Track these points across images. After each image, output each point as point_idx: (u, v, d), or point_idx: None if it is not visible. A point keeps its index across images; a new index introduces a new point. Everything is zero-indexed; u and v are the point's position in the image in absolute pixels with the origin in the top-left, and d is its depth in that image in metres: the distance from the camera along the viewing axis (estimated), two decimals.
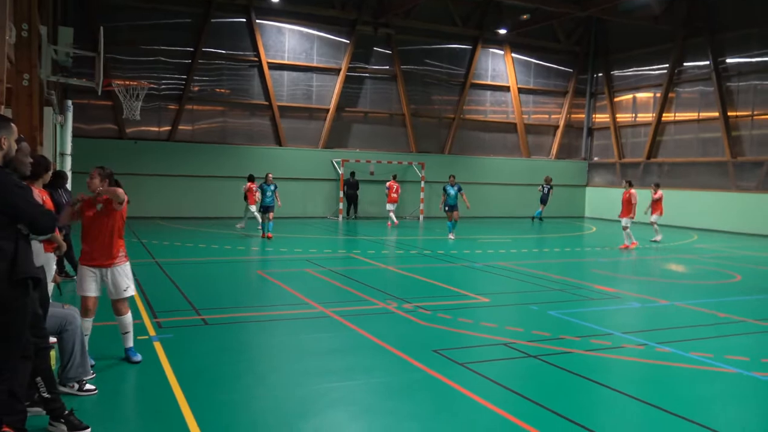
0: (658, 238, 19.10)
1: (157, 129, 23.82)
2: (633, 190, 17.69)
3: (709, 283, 12.47)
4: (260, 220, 19.14)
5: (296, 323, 8.34)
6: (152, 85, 21.23)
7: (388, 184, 23.44)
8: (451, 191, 18.94)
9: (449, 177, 19.70)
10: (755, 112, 23.76)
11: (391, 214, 23.15)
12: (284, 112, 25.47)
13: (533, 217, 26.70)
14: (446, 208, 19.09)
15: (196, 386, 5.65)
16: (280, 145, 25.31)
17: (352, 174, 25.58)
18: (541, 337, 7.59)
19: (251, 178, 20.19)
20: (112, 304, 6.30)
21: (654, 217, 19.16)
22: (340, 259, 14.86)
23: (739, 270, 14.11)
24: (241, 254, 15.09)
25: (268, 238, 17.44)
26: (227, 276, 12.37)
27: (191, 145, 23.97)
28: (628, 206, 17.52)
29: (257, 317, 8.53)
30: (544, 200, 26.57)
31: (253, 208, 19.74)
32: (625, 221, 17.48)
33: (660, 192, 19.05)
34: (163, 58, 23.59)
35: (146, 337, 7.15)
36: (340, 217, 25.51)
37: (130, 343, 6.35)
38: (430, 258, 14.92)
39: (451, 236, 18.81)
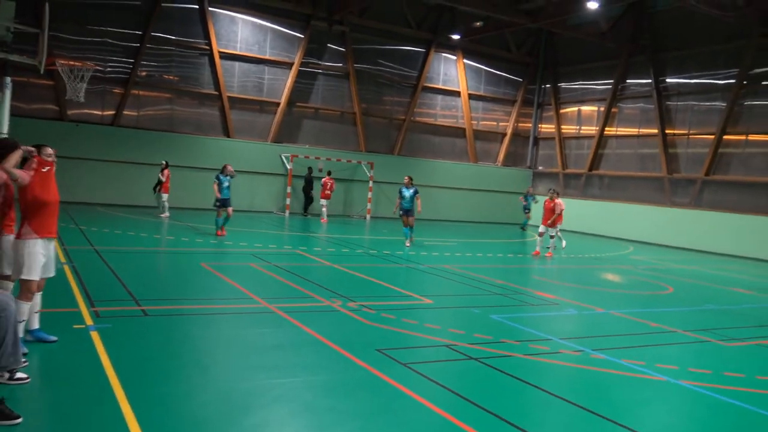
0: (563, 244, 18.98)
1: (100, 113, 23.11)
2: (558, 200, 17.87)
3: (643, 293, 12.94)
4: (167, 208, 19.98)
5: (239, 318, 8.25)
6: (98, 67, 20.57)
7: (323, 180, 23.69)
8: (407, 194, 17.19)
9: (405, 178, 17.79)
10: (691, 131, 24.78)
11: (324, 210, 23.51)
12: (234, 103, 25.11)
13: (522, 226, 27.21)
14: (401, 212, 17.43)
15: (134, 377, 5.52)
16: (229, 137, 24.94)
17: (310, 170, 25.39)
18: (482, 340, 7.73)
19: (167, 165, 20.22)
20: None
21: (556, 228, 18.22)
22: (286, 254, 14.76)
23: (671, 282, 14.69)
24: (185, 245, 14.81)
25: (219, 235, 16.12)
26: (169, 267, 12.13)
27: (136, 132, 23.37)
28: (550, 214, 17.74)
29: (199, 310, 8.39)
30: (526, 208, 27.15)
31: (165, 196, 20.27)
32: (543, 228, 17.77)
33: (562, 203, 18.14)
34: (110, 40, 22.92)
35: (83, 326, 6.93)
36: (287, 212, 25.33)
37: (39, 324, 6.22)
38: (375, 258, 14.98)
39: (407, 243, 17.27)
